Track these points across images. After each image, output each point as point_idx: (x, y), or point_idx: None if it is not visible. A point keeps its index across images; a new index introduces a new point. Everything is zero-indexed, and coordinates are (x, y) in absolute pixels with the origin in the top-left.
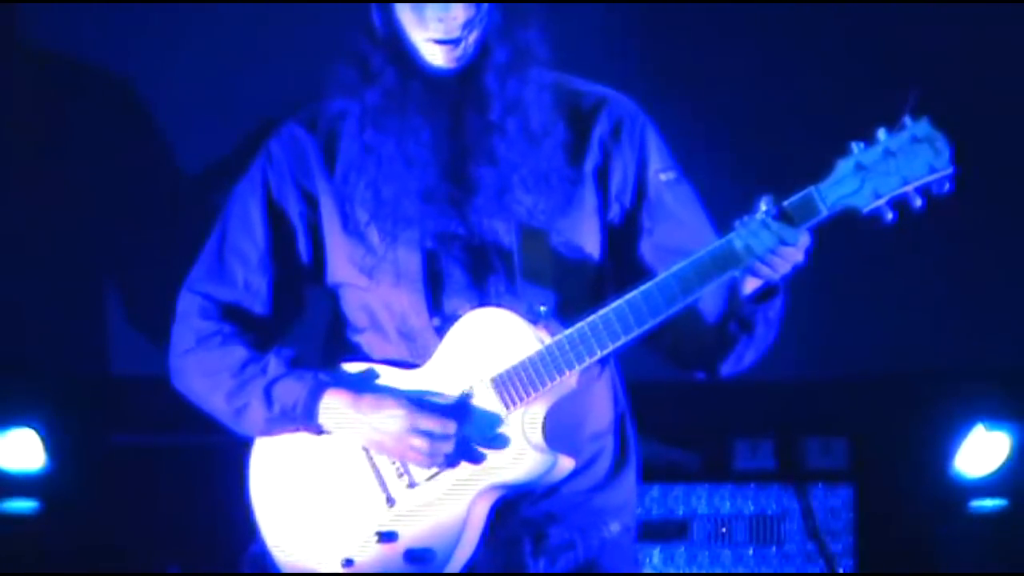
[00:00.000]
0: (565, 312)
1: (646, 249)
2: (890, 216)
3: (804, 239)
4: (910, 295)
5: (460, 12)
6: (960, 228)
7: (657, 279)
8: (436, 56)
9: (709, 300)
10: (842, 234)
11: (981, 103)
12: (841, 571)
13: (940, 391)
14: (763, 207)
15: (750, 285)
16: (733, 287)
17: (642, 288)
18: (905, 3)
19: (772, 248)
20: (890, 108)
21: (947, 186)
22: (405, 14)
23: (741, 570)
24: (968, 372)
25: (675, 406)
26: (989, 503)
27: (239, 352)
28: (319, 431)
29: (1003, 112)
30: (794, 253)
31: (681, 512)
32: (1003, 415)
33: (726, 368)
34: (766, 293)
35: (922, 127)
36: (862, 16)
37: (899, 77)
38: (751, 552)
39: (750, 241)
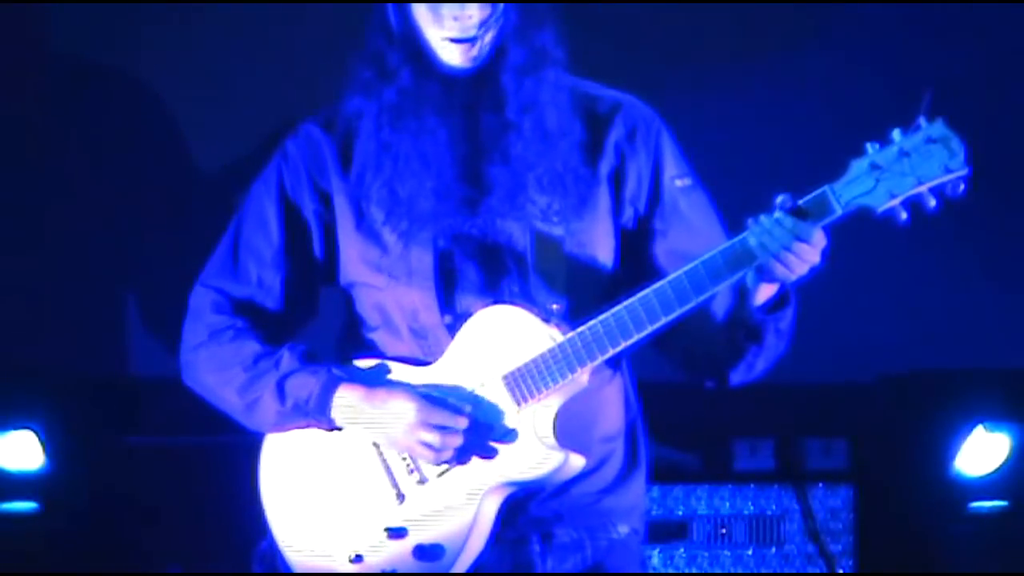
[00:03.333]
0: (577, 313)
1: (658, 254)
2: (904, 216)
3: (819, 237)
4: (911, 296)
5: (476, 11)
6: (961, 229)
7: (669, 278)
8: (452, 55)
9: (720, 307)
10: (843, 235)
11: (985, 102)
12: (841, 572)
13: (940, 391)
14: (779, 200)
15: (762, 295)
16: (744, 295)
17: (655, 287)
18: (920, 3)
19: (787, 245)
20: (905, 109)
21: (962, 187)
22: (421, 13)
23: (741, 571)
24: (968, 373)
25: (675, 406)
26: (989, 504)
27: (252, 346)
28: (330, 426)
29: (1011, 113)
30: (810, 252)
31: (681, 512)
32: (1003, 416)
33: (736, 377)
34: (778, 304)
35: (937, 128)
36: (876, 17)
37: (914, 78)
38: (751, 553)
39: (764, 239)
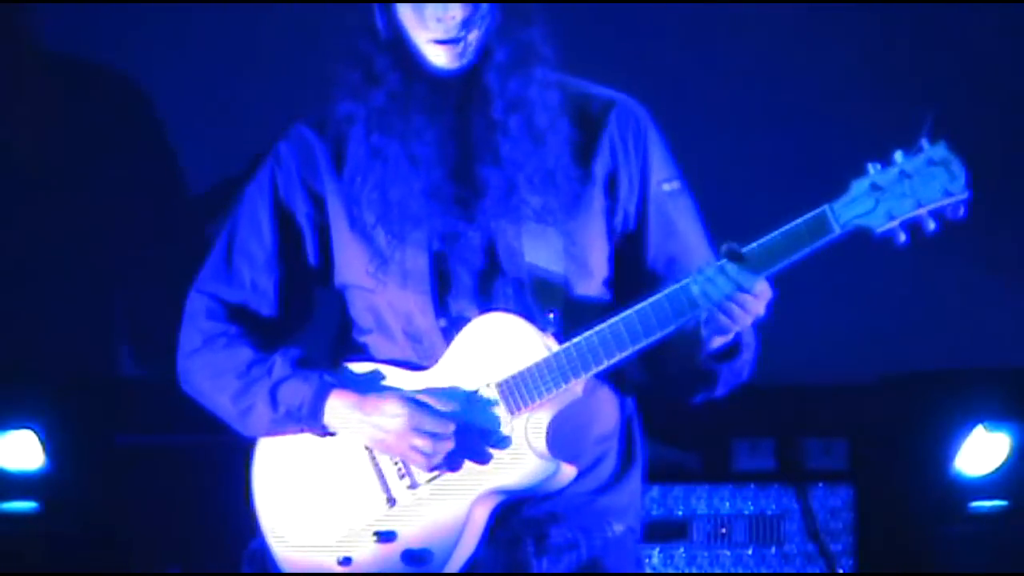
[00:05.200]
0: (572, 314)
1: (647, 257)
2: (903, 238)
3: (763, 287)
4: (911, 296)
5: (459, 11)
6: (960, 228)
7: (667, 290)
8: (438, 57)
9: (676, 344)
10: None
11: (986, 104)
12: (841, 571)
13: (940, 391)
14: (723, 249)
15: (716, 342)
16: (697, 340)
17: (652, 299)
18: (914, 2)
19: (729, 295)
20: (903, 121)
21: (962, 211)
22: (406, 15)
23: (741, 570)
24: (968, 372)
25: (675, 406)
26: (989, 503)
27: (245, 353)
28: (324, 432)
29: (1011, 113)
30: (753, 303)
31: (681, 512)
32: (1003, 415)
33: (696, 400)
34: (730, 351)
35: (939, 150)
36: (872, 28)
37: (909, 89)
38: (751, 552)
39: (706, 287)
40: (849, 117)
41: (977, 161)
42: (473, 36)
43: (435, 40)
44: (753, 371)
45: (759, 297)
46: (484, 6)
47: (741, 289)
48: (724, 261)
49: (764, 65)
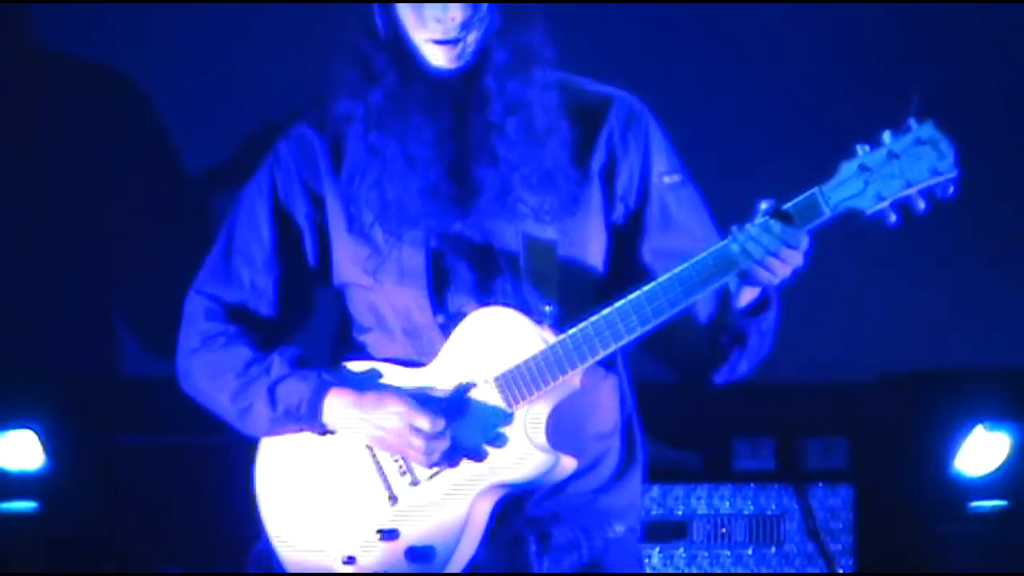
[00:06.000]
0: (570, 311)
1: (646, 251)
2: (893, 218)
3: (805, 241)
4: (910, 295)
5: (458, 12)
6: (960, 228)
7: (660, 279)
8: (437, 57)
9: (702, 311)
10: (842, 234)
11: (984, 103)
12: (841, 571)
13: (940, 391)
14: (763, 206)
15: (745, 297)
16: (726, 299)
17: (645, 288)
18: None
19: (774, 251)
20: (894, 110)
21: (951, 189)
22: (406, 15)
23: (740, 570)
24: (968, 372)
25: (675, 406)
26: (989, 503)
27: (244, 353)
28: (323, 431)
29: (1005, 112)
30: (795, 256)
31: (681, 512)
32: (1003, 415)
33: (719, 377)
34: (760, 306)
35: (926, 129)
36: (866, 16)
37: (904, 78)
38: (750, 552)
39: (748, 245)
40: (838, 98)
41: (978, 162)
42: (472, 37)
43: (434, 40)
44: (767, 355)
45: (801, 249)
46: (484, 7)
47: (787, 245)
48: (767, 219)
49: (753, 48)
